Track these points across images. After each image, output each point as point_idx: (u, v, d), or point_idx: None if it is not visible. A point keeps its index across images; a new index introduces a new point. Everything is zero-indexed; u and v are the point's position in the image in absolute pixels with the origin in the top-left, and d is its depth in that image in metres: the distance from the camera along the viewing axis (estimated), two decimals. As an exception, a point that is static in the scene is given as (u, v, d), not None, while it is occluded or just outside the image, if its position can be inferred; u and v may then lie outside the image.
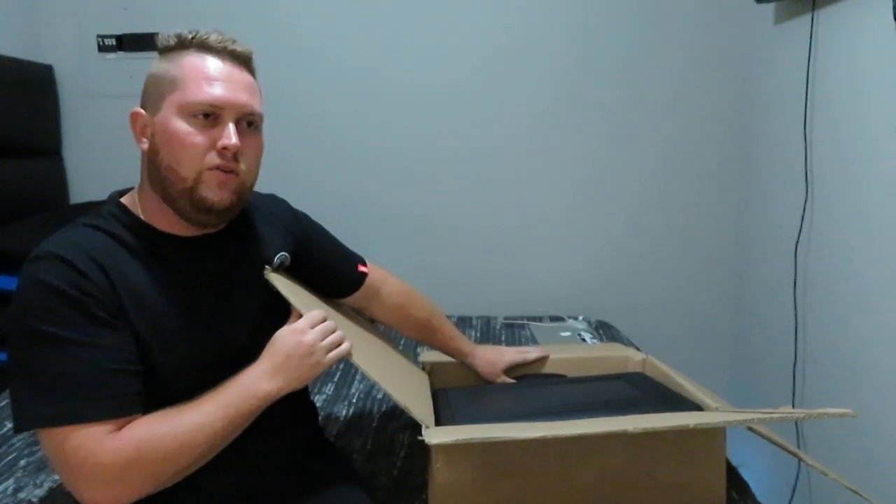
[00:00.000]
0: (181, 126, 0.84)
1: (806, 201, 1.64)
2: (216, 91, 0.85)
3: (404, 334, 1.33)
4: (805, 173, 1.64)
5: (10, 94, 1.90)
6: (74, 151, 2.19)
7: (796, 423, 1.65)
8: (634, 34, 2.08)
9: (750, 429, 0.97)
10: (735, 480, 1.08)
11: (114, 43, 2.13)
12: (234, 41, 0.89)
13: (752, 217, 2.06)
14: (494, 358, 1.33)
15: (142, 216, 0.88)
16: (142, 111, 0.88)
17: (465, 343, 1.33)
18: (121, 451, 0.76)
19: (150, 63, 0.90)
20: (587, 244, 2.21)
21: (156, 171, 0.86)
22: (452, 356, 1.32)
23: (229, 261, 0.94)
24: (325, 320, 0.92)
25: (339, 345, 0.92)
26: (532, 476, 0.92)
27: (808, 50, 1.61)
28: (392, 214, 2.19)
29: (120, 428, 0.77)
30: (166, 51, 0.89)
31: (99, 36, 2.13)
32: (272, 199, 1.09)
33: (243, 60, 0.90)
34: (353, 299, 1.19)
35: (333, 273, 1.15)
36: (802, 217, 1.65)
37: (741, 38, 2.04)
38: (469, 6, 2.09)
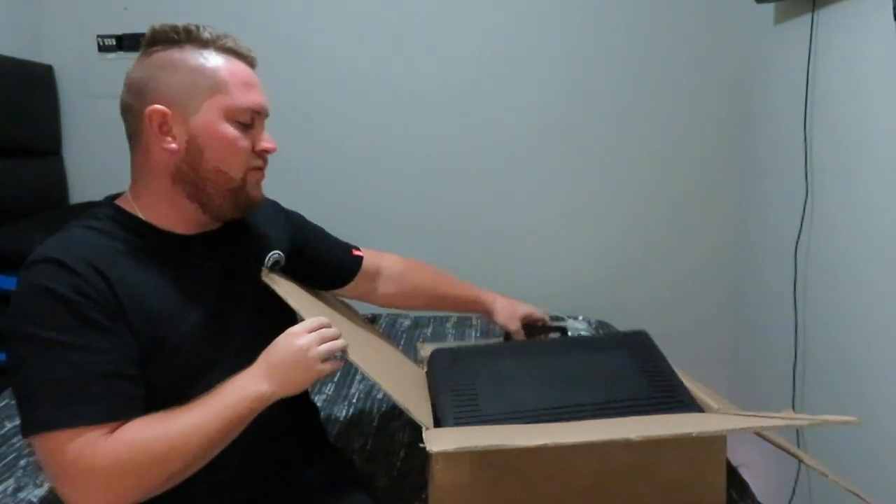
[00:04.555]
0: (231, 131, 0.87)
1: (806, 201, 1.64)
2: (257, 98, 0.90)
3: (417, 308, 1.31)
4: (805, 173, 1.64)
5: (10, 94, 1.90)
6: (74, 151, 2.19)
7: (796, 424, 1.65)
8: (634, 34, 2.08)
9: (750, 428, 0.97)
10: (735, 480, 1.08)
11: (114, 43, 2.13)
12: (245, 44, 0.91)
13: (752, 217, 2.05)
14: (512, 308, 1.34)
15: (141, 215, 0.88)
16: (165, 109, 0.84)
17: (481, 292, 1.32)
18: (112, 453, 0.74)
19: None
20: (587, 244, 2.21)
21: (192, 171, 0.86)
22: (473, 311, 1.31)
23: (229, 259, 0.94)
24: (324, 326, 0.90)
25: (339, 352, 0.90)
26: (532, 477, 0.92)
27: (808, 50, 1.61)
28: (391, 214, 2.19)
29: (113, 431, 0.76)
30: (173, 44, 0.87)
31: (99, 36, 2.13)
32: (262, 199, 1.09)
33: (255, 65, 0.94)
34: (356, 285, 1.19)
35: (330, 263, 1.15)
36: (802, 217, 1.65)
37: (741, 38, 2.04)
38: (472, 4, 2.08)
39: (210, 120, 0.86)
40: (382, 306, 1.29)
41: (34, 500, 1.05)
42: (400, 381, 1.07)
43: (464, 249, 2.20)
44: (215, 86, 0.86)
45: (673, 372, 1.09)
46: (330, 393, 1.47)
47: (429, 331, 1.92)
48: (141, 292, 0.82)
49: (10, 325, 0.77)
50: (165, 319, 0.84)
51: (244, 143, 0.88)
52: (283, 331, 0.90)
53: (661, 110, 2.11)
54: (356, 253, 1.20)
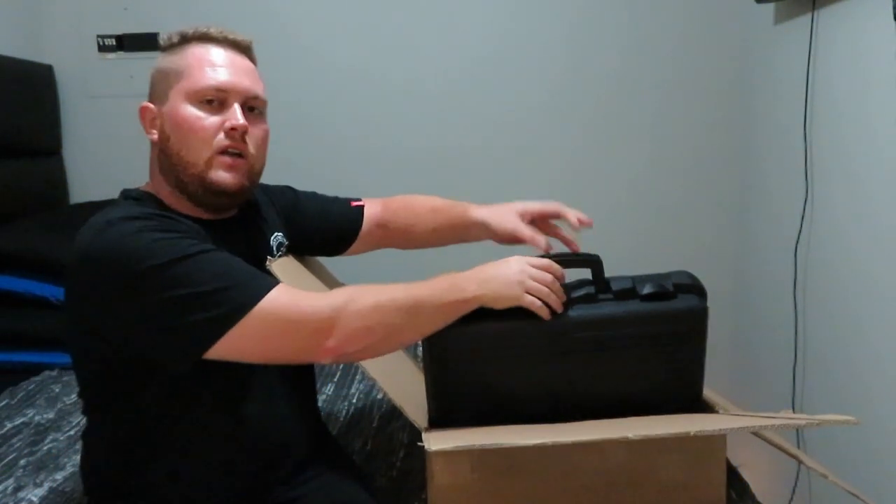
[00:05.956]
0: (190, 111, 0.87)
1: (806, 201, 1.64)
2: (221, 76, 0.88)
3: (426, 237, 1.26)
4: (805, 173, 1.64)
5: (10, 94, 1.90)
6: (74, 151, 2.19)
7: (796, 423, 1.65)
8: (633, 33, 2.08)
9: (750, 428, 0.96)
10: (735, 480, 1.08)
11: (114, 43, 2.13)
12: (233, 32, 0.93)
13: (753, 217, 2.05)
14: (510, 207, 1.25)
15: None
16: (150, 105, 0.91)
17: (469, 208, 1.25)
18: (332, 297, 0.81)
19: (150, 63, 0.94)
20: (585, 245, 2.20)
21: (167, 159, 0.89)
22: (470, 230, 1.27)
23: (249, 244, 0.96)
24: (552, 271, 0.97)
25: (551, 297, 0.92)
26: (531, 475, 0.92)
27: (808, 50, 1.61)
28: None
29: None
30: (170, 48, 0.92)
31: (99, 36, 2.13)
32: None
33: (244, 49, 0.93)
34: (368, 236, 1.18)
35: (333, 224, 1.15)
36: (802, 217, 1.65)
37: (741, 38, 2.04)
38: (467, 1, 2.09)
39: (174, 105, 0.88)
40: (403, 247, 1.26)
41: (34, 499, 1.05)
42: (399, 379, 1.07)
43: (460, 246, 2.20)
44: (179, 73, 0.89)
45: (701, 372, 0.99)
46: (330, 393, 1.47)
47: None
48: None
49: (133, 276, 0.76)
50: None
51: (206, 122, 0.87)
52: None
53: (661, 110, 2.11)
54: (355, 204, 1.18)
